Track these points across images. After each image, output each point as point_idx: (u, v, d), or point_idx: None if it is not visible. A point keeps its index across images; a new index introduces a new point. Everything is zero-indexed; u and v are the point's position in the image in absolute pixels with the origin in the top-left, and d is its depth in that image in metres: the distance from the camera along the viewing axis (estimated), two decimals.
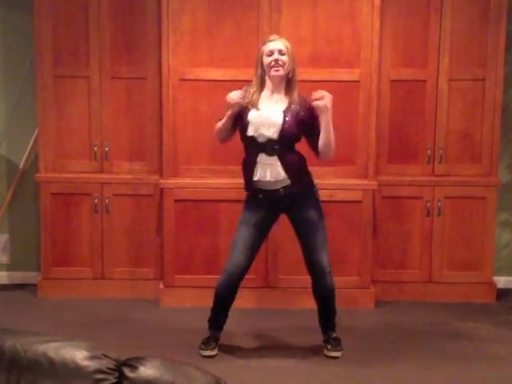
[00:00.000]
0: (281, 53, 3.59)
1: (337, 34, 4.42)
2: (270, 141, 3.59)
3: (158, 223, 4.68)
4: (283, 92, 3.66)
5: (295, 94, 3.64)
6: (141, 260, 4.75)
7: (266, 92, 3.67)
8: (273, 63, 3.58)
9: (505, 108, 4.72)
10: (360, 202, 4.51)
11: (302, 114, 3.61)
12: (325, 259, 3.74)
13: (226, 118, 3.67)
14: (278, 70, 3.59)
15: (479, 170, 4.68)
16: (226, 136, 3.78)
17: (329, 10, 4.41)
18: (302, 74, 4.31)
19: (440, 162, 4.66)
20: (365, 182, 4.51)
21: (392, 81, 4.60)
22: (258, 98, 3.64)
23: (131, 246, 4.74)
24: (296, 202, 3.70)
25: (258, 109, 3.61)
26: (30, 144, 4.83)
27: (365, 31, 4.39)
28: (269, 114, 3.59)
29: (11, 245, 5.01)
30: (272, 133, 3.58)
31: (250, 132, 3.61)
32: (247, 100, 3.64)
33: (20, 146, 4.87)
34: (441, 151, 4.65)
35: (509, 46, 4.64)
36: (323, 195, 4.41)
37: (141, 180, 4.68)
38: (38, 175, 4.68)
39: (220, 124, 3.72)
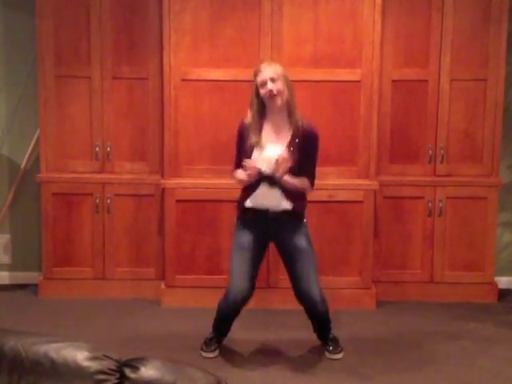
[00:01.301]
0: (273, 80, 3.51)
1: (338, 34, 4.42)
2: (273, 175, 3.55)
3: (160, 223, 4.68)
4: (285, 118, 3.59)
5: (298, 121, 3.57)
6: (142, 260, 4.75)
7: (267, 124, 3.61)
8: (268, 94, 3.51)
9: (506, 108, 4.72)
10: (361, 202, 4.50)
11: (301, 145, 3.56)
12: (316, 289, 3.69)
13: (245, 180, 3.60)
14: (274, 99, 3.51)
15: (480, 170, 4.68)
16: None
17: (330, 10, 4.41)
18: (303, 74, 4.34)
19: (441, 162, 4.66)
20: (366, 182, 4.51)
21: (393, 81, 4.60)
22: (260, 135, 3.57)
23: (132, 246, 4.74)
24: (284, 229, 3.65)
25: (261, 147, 3.54)
26: (32, 144, 4.83)
27: (366, 31, 4.39)
28: (272, 154, 3.52)
29: (12, 245, 5.01)
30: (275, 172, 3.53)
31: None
32: (246, 135, 3.58)
33: (21, 146, 4.87)
34: (442, 151, 4.65)
35: (510, 46, 4.63)
36: (325, 195, 4.43)
37: (142, 180, 4.68)
38: (39, 175, 4.68)
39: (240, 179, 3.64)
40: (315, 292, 3.69)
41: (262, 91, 3.53)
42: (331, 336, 3.87)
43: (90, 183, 4.67)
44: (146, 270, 4.75)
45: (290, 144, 3.56)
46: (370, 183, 4.50)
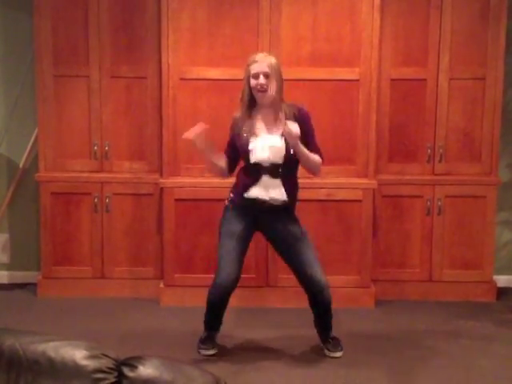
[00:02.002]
0: (266, 75, 3.54)
1: (337, 32, 4.42)
2: (274, 164, 3.59)
3: (158, 222, 4.68)
4: (272, 110, 3.63)
5: (285, 110, 3.61)
6: (141, 259, 4.75)
7: (257, 116, 3.64)
8: (258, 87, 3.55)
9: (505, 107, 4.72)
10: (360, 201, 4.50)
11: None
12: (321, 274, 3.70)
13: (204, 157, 3.67)
14: (263, 95, 3.56)
15: (479, 168, 4.68)
16: (223, 171, 3.76)
17: (329, 8, 4.41)
18: (302, 73, 4.34)
19: (440, 160, 4.66)
20: (365, 181, 4.51)
21: (392, 80, 4.59)
22: (253, 124, 3.62)
23: (131, 245, 4.74)
24: (278, 219, 3.68)
25: (256, 135, 3.60)
26: (30, 143, 4.83)
27: (365, 30, 4.39)
28: (269, 141, 3.57)
29: (11, 244, 5.00)
30: (277, 158, 3.57)
31: (253, 159, 3.60)
32: (239, 128, 3.64)
33: (20, 145, 4.87)
34: (441, 150, 4.65)
35: (509, 44, 4.63)
36: (323, 194, 4.43)
37: (141, 179, 4.68)
38: (38, 174, 4.67)
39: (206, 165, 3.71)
40: (321, 277, 3.69)
41: (253, 82, 3.56)
42: (332, 335, 3.87)
43: (89, 182, 4.67)
44: (144, 269, 4.75)
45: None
46: (369, 182, 4.50)
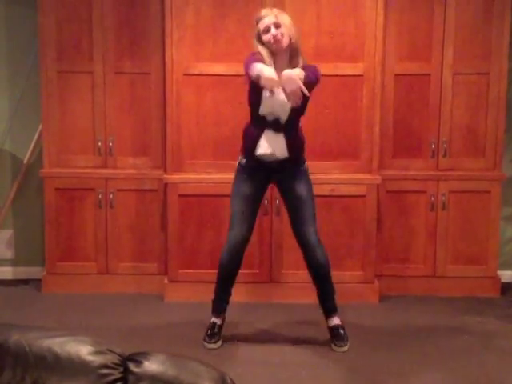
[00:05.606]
0: (276, 25, 3.59)
1: (340, 28, 4.41)
2: (278, 119, 3.66)
3: (162, 218, 4.68)
4: (287, 61, 3.65)
5: (299, 63, 3.64)
6: (145, 255, 4.76)
7: (273, 65, 3.64)
8: (272, 40, 3.59)
9: (509, 102, 4.70)
10: (364, 196, 4.50)
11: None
12: (312, 233, 3.79)
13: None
14: (279, 44, 3.59)
15: (483, 164, 4.67)
16: None
17: (332, 4, 4.39)
18: None
19: (444, 156, 4.65)
20: (369, 176, 4.51)
21: (396, 75, 4.59)
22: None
23: (135, 241, 4.75)
24: (287, 174, 3.78)
25: (271, 90, 3.56)
26: (34, 139, 4.83)
27: (368, 25, 4.38)
28: (280, 97, 3.57)
29: (15, 240, 5.01)
30: (282, 114, 3.64)
31: (262, 112, 3.66)
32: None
33: (24, 141, 4.87)
34: (445, 145, 4.64)
35: None
36: (327, 190, 4.43)
37: (145, 175, 4.68)
38: (42, 170, 4.68)
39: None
40: (312, 236, 3.79)
41: (266, 36, 3.60)
42: (338, 324, 3.87)
43: (93, 178, 4.67)
44: (149, 264, 4.75)
45: None
46: (373, 177, 4.50)
